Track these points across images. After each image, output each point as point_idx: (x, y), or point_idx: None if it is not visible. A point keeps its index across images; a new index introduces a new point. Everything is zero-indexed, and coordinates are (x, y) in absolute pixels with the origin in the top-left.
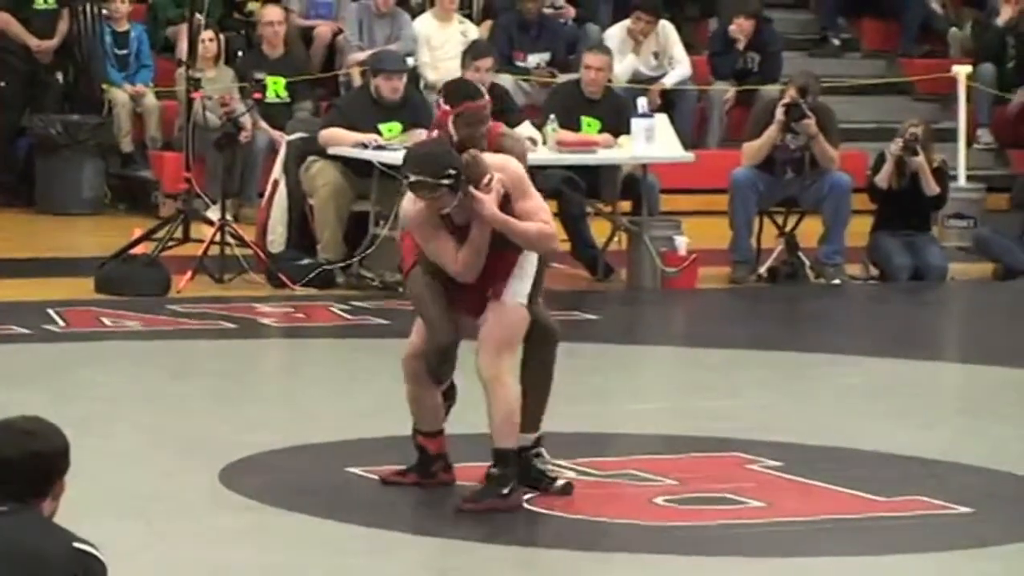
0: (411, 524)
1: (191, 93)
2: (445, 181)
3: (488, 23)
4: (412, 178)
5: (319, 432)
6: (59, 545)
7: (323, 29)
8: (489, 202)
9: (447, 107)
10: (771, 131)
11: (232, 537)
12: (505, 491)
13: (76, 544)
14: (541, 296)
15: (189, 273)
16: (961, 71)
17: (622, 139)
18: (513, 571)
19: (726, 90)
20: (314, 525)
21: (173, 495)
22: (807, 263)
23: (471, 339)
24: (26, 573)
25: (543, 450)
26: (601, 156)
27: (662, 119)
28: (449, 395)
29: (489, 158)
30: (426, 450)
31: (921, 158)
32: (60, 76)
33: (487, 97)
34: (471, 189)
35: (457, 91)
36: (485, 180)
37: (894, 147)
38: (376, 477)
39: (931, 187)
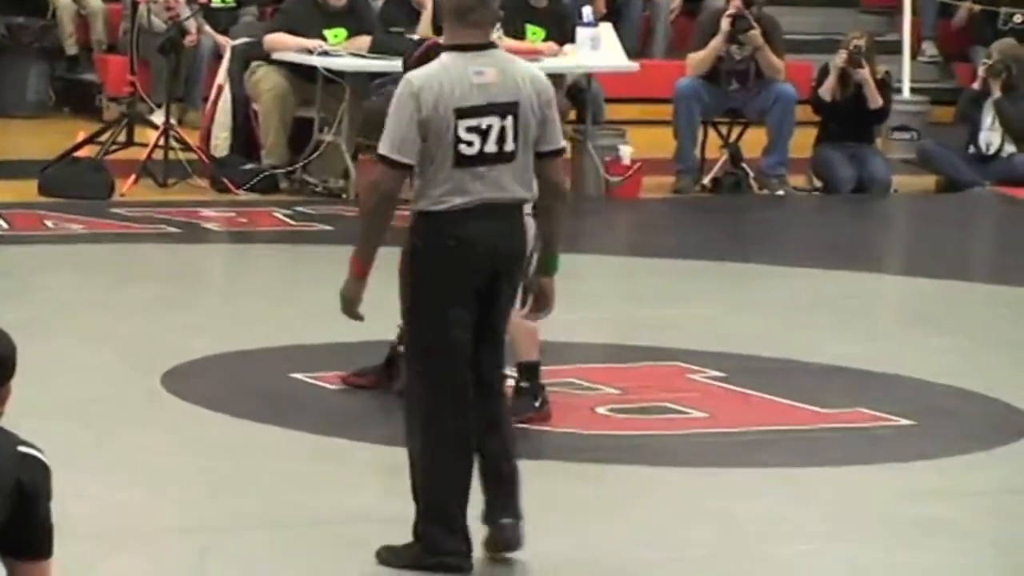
0: (356, 431)
1: None
2: None
3: None
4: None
5: (262, 338)
6: (3, 447)
7: None
8: None
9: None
10: (716, 41)
11: (174, 443)
12: (537, 403)
13: (21, 447)
14: None
15: (133, 177)
16: None
17: (567, 48)
18: None
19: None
20: (257, 431)
21: (115, 400)
22: (751, 174)
23: None
24: None
25: None
26: (546, 65)
27: (607, 28)
28: None
29: None
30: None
31: (865, 70)
32: None
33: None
34: None
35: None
36: None
37: (838, 59)
38: (319, 383)
39: (875, 99)
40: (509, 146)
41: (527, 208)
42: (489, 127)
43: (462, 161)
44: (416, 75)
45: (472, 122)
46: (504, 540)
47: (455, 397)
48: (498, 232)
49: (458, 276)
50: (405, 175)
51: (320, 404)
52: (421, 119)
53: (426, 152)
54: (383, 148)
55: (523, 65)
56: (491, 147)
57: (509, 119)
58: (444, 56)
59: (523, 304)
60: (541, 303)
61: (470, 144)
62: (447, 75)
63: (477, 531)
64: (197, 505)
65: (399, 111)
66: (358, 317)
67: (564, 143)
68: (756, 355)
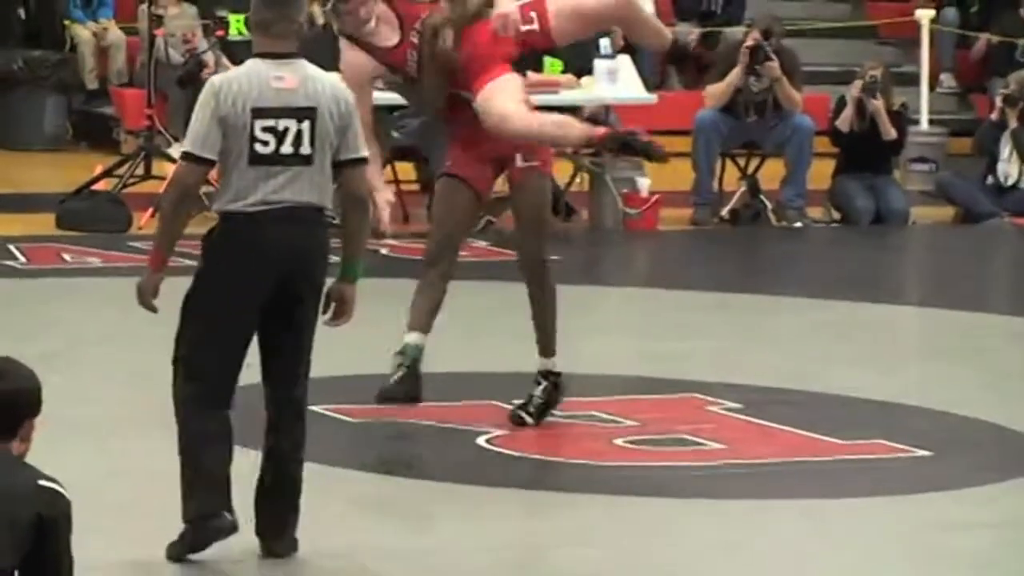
0: (369, 463)
1: (153, 30)
2: None
3: None
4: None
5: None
6: (25, 482)
7: None
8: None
9: None
10: (734, 74)
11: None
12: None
13: (41, 481)
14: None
15: (151, 210)
16: (924, 15)
17: (585, 80)
18: (470, 510)
19: (690, 31)
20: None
21: (132, 432)
22: (769, 206)
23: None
24: None
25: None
26: (564, 97)
27: (625, 60)
28: None
29: None
30: None
31: (879, 102)
32: (21, 12)
33: None
34: None
35: None
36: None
37: (854, 90)
38: (332, 414)
39: (888, 131)
40: (305, 150)
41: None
42: (286, 129)
43: (257, 159)
44: (219, 76)
45: (268, 122)
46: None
47: (213, 396)
48: (292, 236)
49: (247, 276)
50: (206, 171)
51: (333, 435)
52: (220, 116)
53: (225, 149)
54: (186, 145)
55: (325, 76)
56: (287, 148)
57: (306, 123)
58: (249, 62)
59: (324, 311)
60: (340, 310)
61: (265, 143)
62: (248, 77)
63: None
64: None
65: (202, 109)
66: (152, 308)
67: (366, 152)
68: (774, 387)
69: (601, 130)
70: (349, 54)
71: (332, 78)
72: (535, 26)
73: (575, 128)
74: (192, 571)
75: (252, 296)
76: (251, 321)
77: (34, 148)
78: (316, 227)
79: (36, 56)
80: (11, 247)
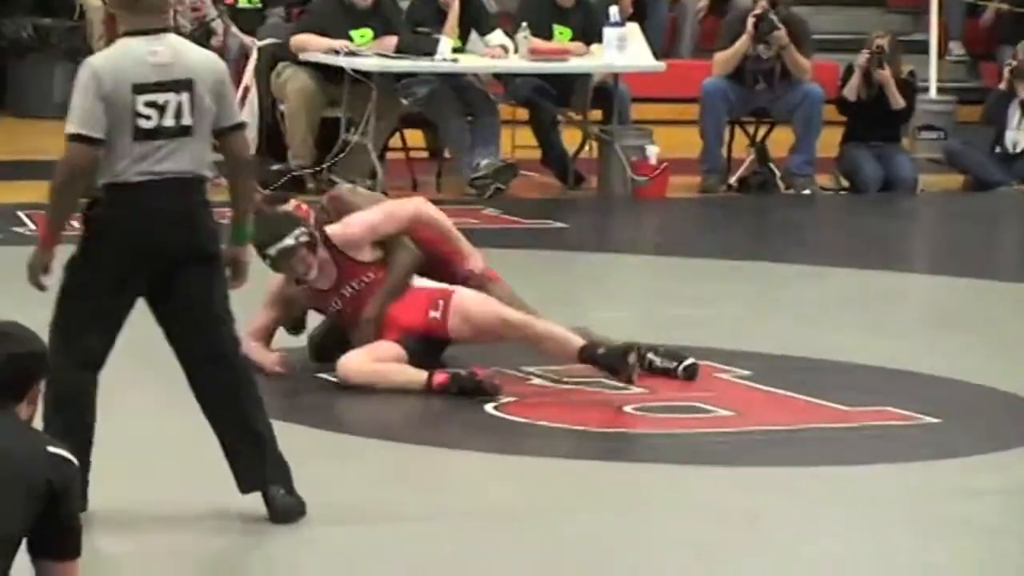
0: (379, 430)
1: None
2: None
3: None
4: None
5: (287, 337)
6: (34, 448)
7: None
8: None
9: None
10: (742, 41)
11: (192, 441)
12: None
13: (50, 448)
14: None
15: None
16: None
17: (594, 48)
18: (482, 477)
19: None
20: (281, 430)
21: (136, 399)
22: (778, 173)
23: None
24: (3, 474)
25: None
26: (573, 65)
27: (634, 28)
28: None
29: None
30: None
31: (886, 71)
32: None
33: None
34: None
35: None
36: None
37: (861, 59)
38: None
39: (896, 100)
40: (187, 120)
41: None
42: (167, 103)
43: (141, 134)
44: (94, 58)
45: (150, 97)
46: (281, 511)
47: (85, 361)
48: (175, 205)
49: (128, 247)
50: (96, 150)
51: (339, 402)
52: (102, 95)
53: (111, 127)
54: (71, 127)
55: (196, 48)
56: (169, 121)
57: (185, 95)
58: (121, 41)
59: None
60: (235, 272)
61: (148, 118)
62: (124, 56)
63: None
64: (218, 503)
65: (83, 93)
66: (41, 287)
67: (243, 118)
68: (783, 354)
69: (440, 376)
70: (273, 280)
71: (201, 50)
72: (438, 313)
73: (410, 376)
74: (205, 544)
75: (133, 266)
76: (130, 292)
77: (44, 116)
78: (197, 195)
79: (46, 24)
80: (20, 214)
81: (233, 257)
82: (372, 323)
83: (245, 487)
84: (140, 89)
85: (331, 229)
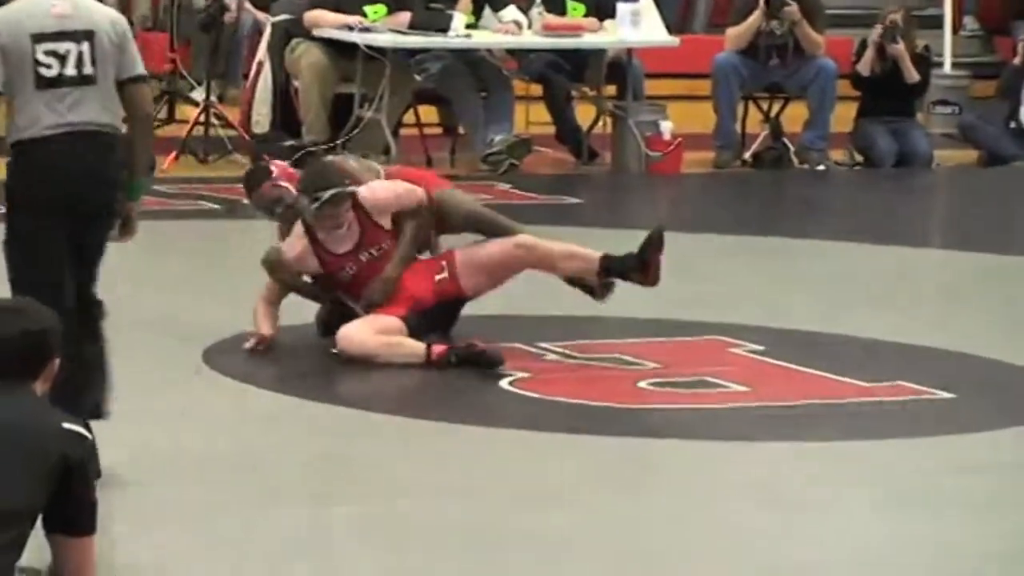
0: (396, 406)
1: None
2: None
3: None
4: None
5: (303, 314)
6: (50, 424)
7: None
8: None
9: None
10: (755, 17)
11: (215, 418)
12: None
13: (66, 423)
14: None
15: (174, 154)
16: None
17: (607, 23)
18: (498, 453)
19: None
20: (297, 406)
21: (158, 375)
22: (792, 148)
23: None
24: (17, 452)
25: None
26: (586, 40)
27: (647, 3)
28: None
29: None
30: None
31: (901, 46)
32: None
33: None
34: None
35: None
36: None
37: (874, 34)
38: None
39: (911, 74)
40: (88, 70)
41: None
42: (67, 52)
43: (43, 83)
44: None
45: (49, 46)
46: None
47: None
48: (83, 156)
49: (49, 201)
50: None
51: (360, 379)
52: (1, 45)
53: (10, 78)
54: None
55: (98, 5)
56: (70, 70)
57: (86, 45)
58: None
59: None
60: (124, 227)
61: (49, 67)
62: (24, 8)
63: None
64: (238, 481)
65: None
66: None
67: (144, 71)
68: (797, 329)
69: (439, 348)
70: (296, 244)
71: (103, 7)
72: (445, 274)
73: (410, 348)
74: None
75: (54, 215)
76: (61, 236)
77: None
78: (105, 145)
79: None
80: None
81: (127, 213)
82: (392, 282)
83: (86, 413)
84: (39, 38)
85: (360, 192)
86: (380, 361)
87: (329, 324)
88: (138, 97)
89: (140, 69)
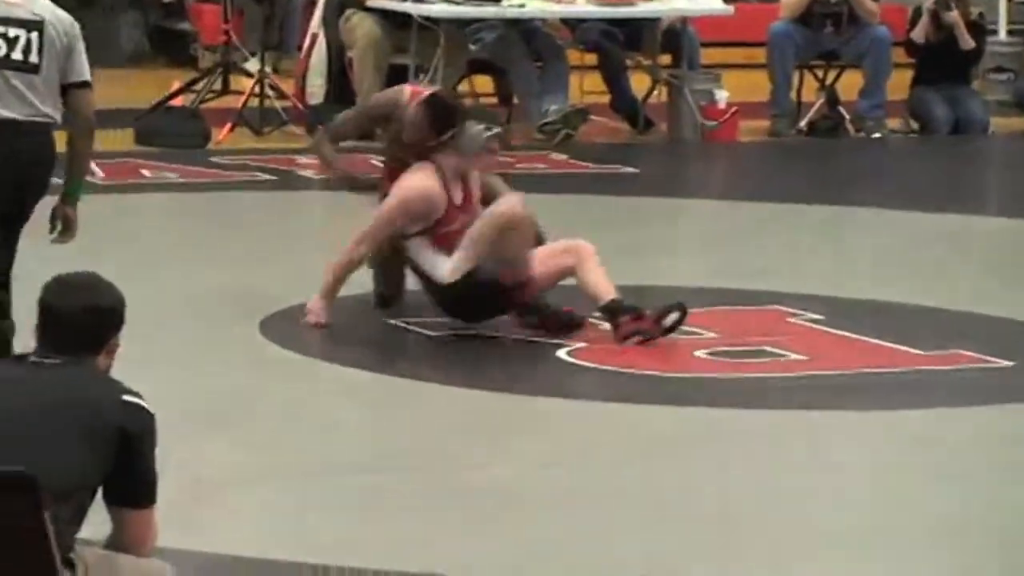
0: (448, 376)
1: None
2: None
3: None
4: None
5: (358, 285)
6: (109, 397)
7: None
8: None
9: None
10: None
11: (271, 389)
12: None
13: (125, 396)
14: None
15: (229, 125)
16: None
17: None
18: (555, 422)
19: None
20: (354, 376)
21: (215, 346)
22: (847, 117)
23: None
24: (77, 425)
25: None
26: (641, 9)
27: None
28: None
29: None
30: None
31: (955, 13)
32: None
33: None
34: None
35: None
36: None
37: (928, 1)
38: (415, 329)
39: (966, 42)
40: (34, 58)
41: None
42: (16, 37)
43: None
44: None
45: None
46: None
47: None
48: (26, 149)
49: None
50: None
51: (415, 349)
52: None
53: None
54: None
55: (51, 5)
56: (17, 55)
57: (34, 34)
58: None
59: (51, 230)
60: (65, 228)
61: None
62: None
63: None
64: (294, 450)
65: None
66: None
67: (89, 77)
68: (854, 297)
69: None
70: (431, 179)
71: (53, 6)
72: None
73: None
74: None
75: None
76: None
77: (112, 65)
78: (45, 140)
79: None
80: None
81: (65, 216)
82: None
83: None
84: None
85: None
86: (498, 243)
87: (385, 297)
88: (83, 103)
89: (86, 75)
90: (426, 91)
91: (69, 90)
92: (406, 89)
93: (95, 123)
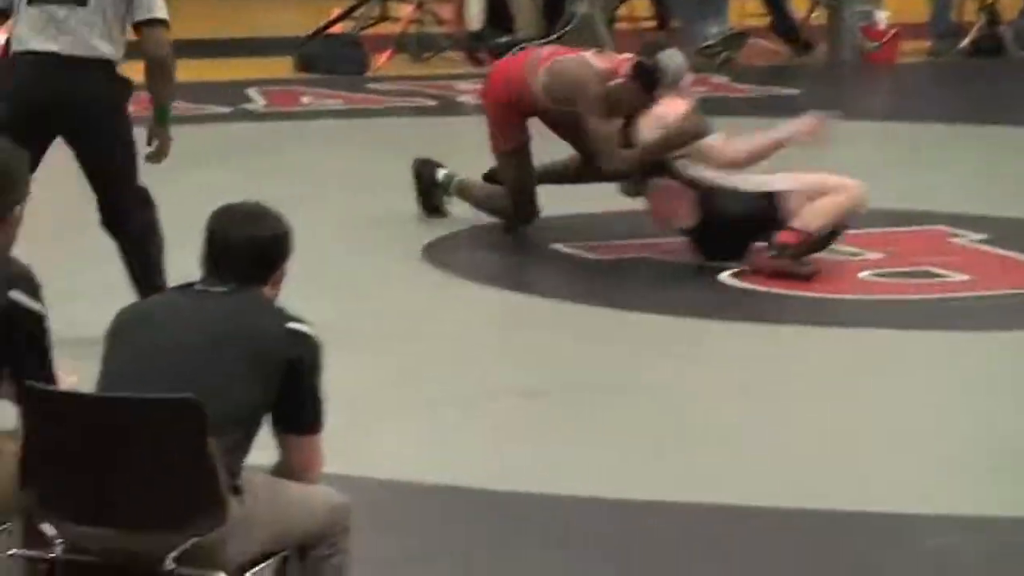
0: (607, 299)
1: None
2: None
3: None
4: None
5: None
6: (275, 325)
7: None
8: None
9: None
10: None
11: (434, 313)
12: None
13: (290, 324)
14: None
15: (388, 51)
16: None
17: None
18: (720, 343)
19: None
20: (517, 300)
21: (377, 272)
22: (1009, 36)
23: None
24: (243, 354)
25: None
26: None
27: None
28: None
29: None
30: None
31: None
32: None
33: None
34: None
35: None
36: None
37: None
38: (578, 253)
39: None
40: None
41: None
42: None
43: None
44: None
45: None
46: None
47: None
48: (66, 81)
49: (26, 115)
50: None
51: (579, 274)
52: None
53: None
54: None
55: None
56: None
57: None
58: None
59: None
60: (157, 148)
61: None
62: None
63: None
64: (456, 373)
65: None
66: None
67: (162, 14)
68: (1019, 217)
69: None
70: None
71: None
72: None
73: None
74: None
75: (23, 123)
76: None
77: None
78: (89, 72)
79: None
80: (250, 91)
81: (156, 134)
82: None
83: None
84: None
85: None
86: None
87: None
88: (150, 41)
89: (156, 12)
90: (600, 62)
91: (138, 28)
92: (589, 61)
93: (167, 61)
